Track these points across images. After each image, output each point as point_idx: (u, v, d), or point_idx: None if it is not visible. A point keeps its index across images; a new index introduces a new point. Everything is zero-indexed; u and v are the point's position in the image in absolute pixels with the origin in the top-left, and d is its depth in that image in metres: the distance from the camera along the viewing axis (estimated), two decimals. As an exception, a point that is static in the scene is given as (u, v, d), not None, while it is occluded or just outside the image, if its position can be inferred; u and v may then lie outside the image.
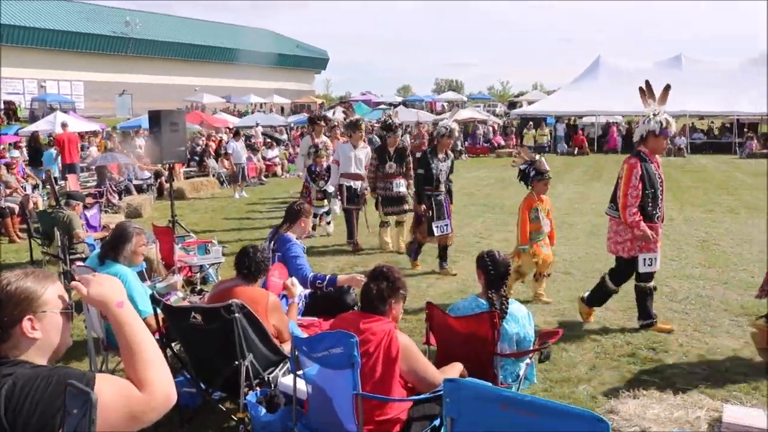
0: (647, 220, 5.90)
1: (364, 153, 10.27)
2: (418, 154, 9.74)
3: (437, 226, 8.20)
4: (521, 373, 3.97)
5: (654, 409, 3.78)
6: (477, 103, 60.38)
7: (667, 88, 6.24)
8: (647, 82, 6.38)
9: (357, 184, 10.02)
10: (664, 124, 6.00)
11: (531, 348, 4.06)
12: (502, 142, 33.05)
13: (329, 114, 28.33)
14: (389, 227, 9.79)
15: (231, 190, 17.80)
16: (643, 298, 6.14)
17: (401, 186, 9.47)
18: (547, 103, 37.90)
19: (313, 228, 10.77)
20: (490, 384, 2.96)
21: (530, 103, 45.23)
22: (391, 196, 9.48)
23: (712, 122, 37.01)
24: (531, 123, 33.88)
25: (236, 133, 20.59)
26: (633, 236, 5.90)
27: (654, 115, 6.05)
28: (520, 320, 4.06)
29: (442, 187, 8.32)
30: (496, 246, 9.04)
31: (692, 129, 33.68)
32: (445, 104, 57.08)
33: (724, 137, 32.99)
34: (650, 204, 5.93)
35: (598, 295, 6.34)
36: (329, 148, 11.53)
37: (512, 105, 55.06)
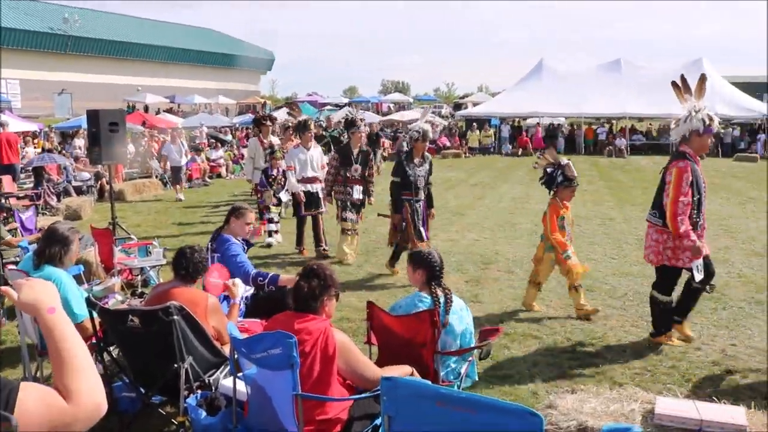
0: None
1: (317, 153, 9.75)
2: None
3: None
4: (462, 370, 4.01)
5: (591, 403, 3.86)
6: (423, 105, 60.75)
7: (703, 78, 5.72)
8: (682, 77, 5.77)
9: (315, 188, 9.43)
10: (707, 121, 5.49)
11: (472, 341, 4.11)
12: (448, 143, 33.36)
13: (275, 114, 28.06)
14: (350, 236, 8.98)
15: (174, 192, 17.43)
16: (662, 309, 5.74)
17: (359, 192, 8.89)
18: (492, 105, 38.40)
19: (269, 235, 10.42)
20: (427, 381, 2.98)
21: (475, 104, 45.77)
22: (351, 203, 8.88)
23: (651, 124, 38.25)
24: (475, 124, 34.29)
25: (173, 131, 19.06)
26: (677, 245, 5.46)
27: (695, 112, 5.53)
28: (458, 312, 4.10)
29: (421, 194, 7.93)
30: (441, 246, 9.17)
31: (632, 130, 34.66)
32: (392, 105, 57.29)
33: (662, 139, 34.01)
34: (695, 211, 5.46)
35: (661, 317, 5.78)
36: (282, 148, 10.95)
37: (458, 106, 55.57)
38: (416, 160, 7.87)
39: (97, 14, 59.76)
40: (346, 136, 9.49)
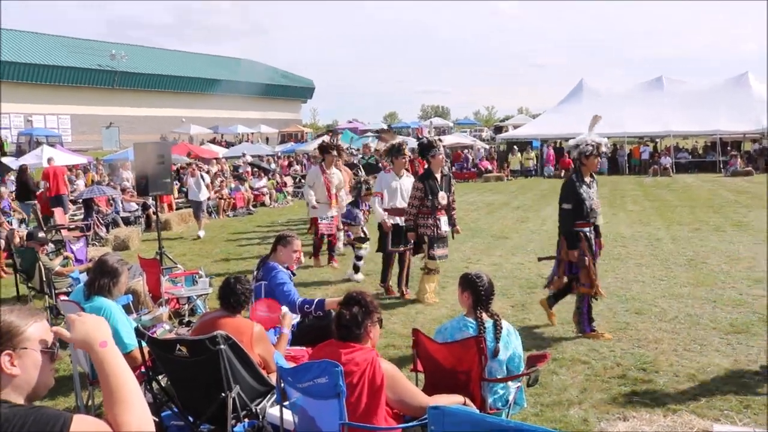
0: None
1: (409, 183, 8.57)
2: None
3: None
4: (510, 397, 3.95)
5: (644, 431, 3.76)
6: (463, 129, 60.86)
7: None
8: None
9: (401, 220, 8.47)
10: None
11: (521, 365, 4.04)
12: (489, 167, 33.23)
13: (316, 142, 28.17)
14: (435, 275, 8.14)
15: (218, 219, 17.52)
16: None
17: (446, 223, 7.96)
18: (533, 127, 38.19)
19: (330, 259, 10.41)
20: (474, 410, 2.93)
21: (516, 127, 45.59)
22: (440, 236, 7.89)
23: (696, 142, 37.55)
24: (516, 147, 34.12)
25: (191, 166, 17.87)
26: None
27: None
28: (505, 337, 4.02)
29: (598, 220, 6.66)
30: (485, 270, 9.06)
31: (677, 148, 34.04)
32: (432, 130, 57.42)
33: (708, 156, 33.35)
34: None
35: None
36: (340, 179, 10.73)
37: (498, 129, 55.45)
38: (587, 180, 6.63)
39: (143, 49, 61.62)
40: (386, 161, 8.80)
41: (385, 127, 55.54)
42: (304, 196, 11.01)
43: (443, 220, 7.90)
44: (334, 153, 10.73)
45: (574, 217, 6.49)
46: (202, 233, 15.26)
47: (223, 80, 63.20)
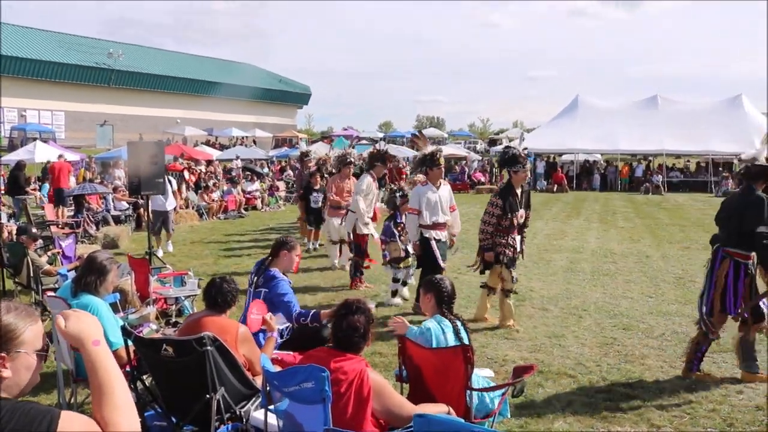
0: None
1: (447, 192, 8.10)
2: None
3: None
4: (495, 407, 3.95)
5: (628, 446, 3.76)
6: (458, 140, 61.05)
7: None
8: None
9: (445, 235, 7.95)
10: None
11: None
12: (482, 179, 33.31)
13: (312, 148, 28.08)
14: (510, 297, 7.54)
15: (208, 222, 17.33)
16: None
17: (519, 243, 7.45)
18: (527, 141, 38.26)
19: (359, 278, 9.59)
20: (461, 420, 2.93)
21: (510, 140, 45.71)
22: (515, 257, 7.43)
23: (688, 161, 37.83)
24: (509, 160, 34.20)
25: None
26: None
27: None
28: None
29: None
30: (475, 281, 9.06)
31: (669, 168, 34.27)
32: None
33: (700, 176, 33.61)
34: None
35: None
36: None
37: (492, 142, 55.62)
38: None
39: (140, 49, 61.46)
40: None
41: (381, 135, 55.58)
42: (355, 207, 9.66)
43: (517, 239, 7.37)
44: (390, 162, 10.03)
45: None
46: (170, 247, 13.27)
47: (219, 83, 63.01)
